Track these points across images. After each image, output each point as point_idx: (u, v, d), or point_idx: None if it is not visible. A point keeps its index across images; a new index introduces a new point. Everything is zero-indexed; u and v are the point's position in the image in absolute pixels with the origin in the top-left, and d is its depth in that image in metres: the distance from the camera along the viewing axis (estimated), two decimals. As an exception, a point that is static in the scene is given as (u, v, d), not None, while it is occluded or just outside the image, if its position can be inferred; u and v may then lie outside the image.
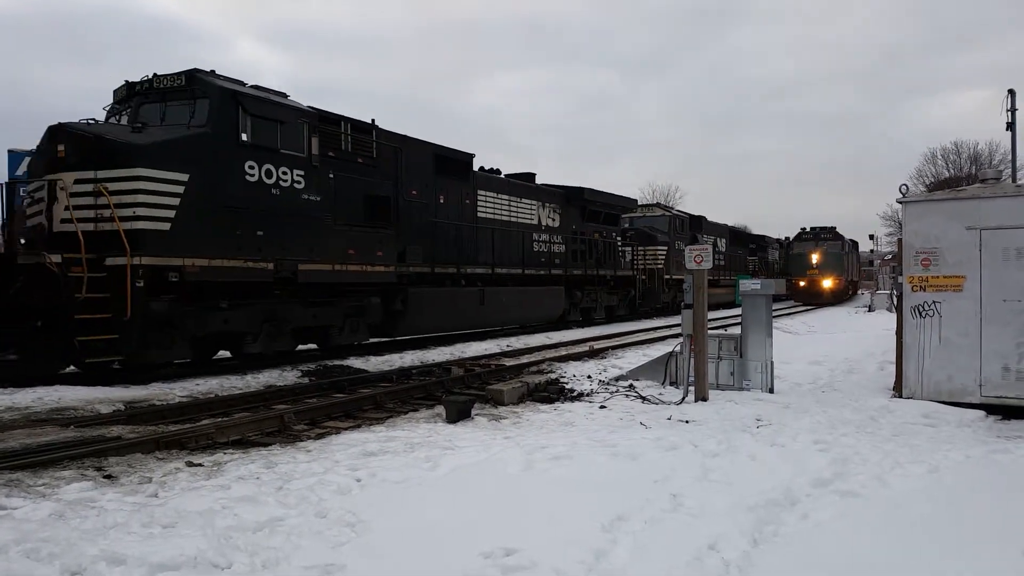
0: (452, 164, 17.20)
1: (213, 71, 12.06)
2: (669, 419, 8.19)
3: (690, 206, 76.53)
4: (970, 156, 56.78)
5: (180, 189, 10.77)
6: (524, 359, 14.38)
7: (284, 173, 12.34)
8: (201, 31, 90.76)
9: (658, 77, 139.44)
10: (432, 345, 16.30)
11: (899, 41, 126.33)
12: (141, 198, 10.43)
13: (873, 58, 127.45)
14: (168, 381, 10.73)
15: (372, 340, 15.35)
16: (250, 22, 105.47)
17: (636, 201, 33.06)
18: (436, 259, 16.23)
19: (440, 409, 8.72)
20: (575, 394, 10.14)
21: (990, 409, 8.69)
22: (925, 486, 5.78)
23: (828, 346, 16.51)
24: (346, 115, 14.06)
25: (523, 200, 20.42)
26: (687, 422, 8.01)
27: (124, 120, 11.87)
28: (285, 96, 13.11)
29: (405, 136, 15.73)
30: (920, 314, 9.29)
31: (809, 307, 39.18)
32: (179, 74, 11.67)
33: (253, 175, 11.84)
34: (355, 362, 13.41)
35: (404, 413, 9.00)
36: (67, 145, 10.55)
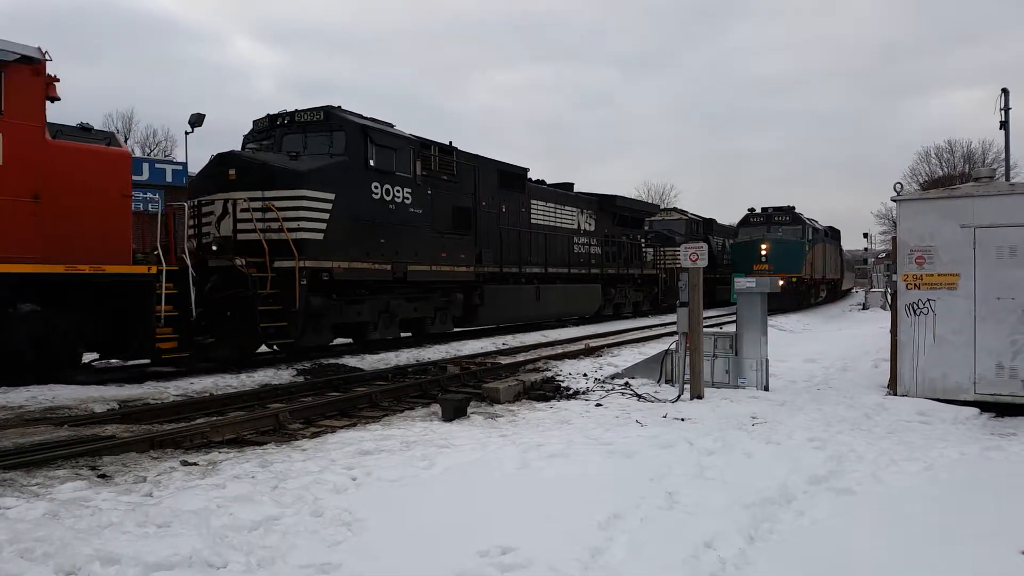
0: (511, 178, 19.65)
1: (340, 107, 14.52)
2: (665, 417, 8.20)
3: (686, 205, 76.58)
4: (964, 155, 57.02)
5: (329, 206, 13.19)
6: (520, 357, 14.37)
7: (398, 191, 14.93)
8: (199, 29, 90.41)
9: (657, 75, 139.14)
10: (428, 344, 16.30)
11: (897, 39, 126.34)
12: (303, 213, 12.76)
13: (871, 56, 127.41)
14: (162, 380, 10.70)
15: (456, 329, 18.01)
16: (247, 20, 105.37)
17: (658, 206, 36.76)
18: (503, 260, 18.85)
19: (436, 408, 8.71)
20: (571, 392, 10.14)
21: (984, 406, 8.74)
22: (920, 483, 5.81)
23: (823, 344, 16.58)
24: (434, 139, 16.41)
25: (565, 207, 22.70)
26: (683, 420, 8.02)
27: (264, 147, 14.38)
28: (392, 126, 15.45)
29: (477, 155, 18.16)
30: (914, 312, 9.32)
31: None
32: (317, 110, 14.22)
33: (377, 193, 14.38)
34: (350, 360, 13.39)
35: (400, 412, 8.98)
36: (238, 169, 12.75)
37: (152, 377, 10.85)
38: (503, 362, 13.38)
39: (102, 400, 9.14)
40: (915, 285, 9.32)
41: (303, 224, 12.72)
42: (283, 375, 11.83)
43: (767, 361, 10.22)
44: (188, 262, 11.05)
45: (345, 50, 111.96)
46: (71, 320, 10.11)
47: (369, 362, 13.39)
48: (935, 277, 9.21)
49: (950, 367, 9.08)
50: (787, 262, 30.75)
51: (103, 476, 5.87)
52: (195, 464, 6.22)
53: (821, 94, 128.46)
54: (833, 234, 40.82)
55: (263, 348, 13.75)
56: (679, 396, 9.39)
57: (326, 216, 13.13)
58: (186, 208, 12.46)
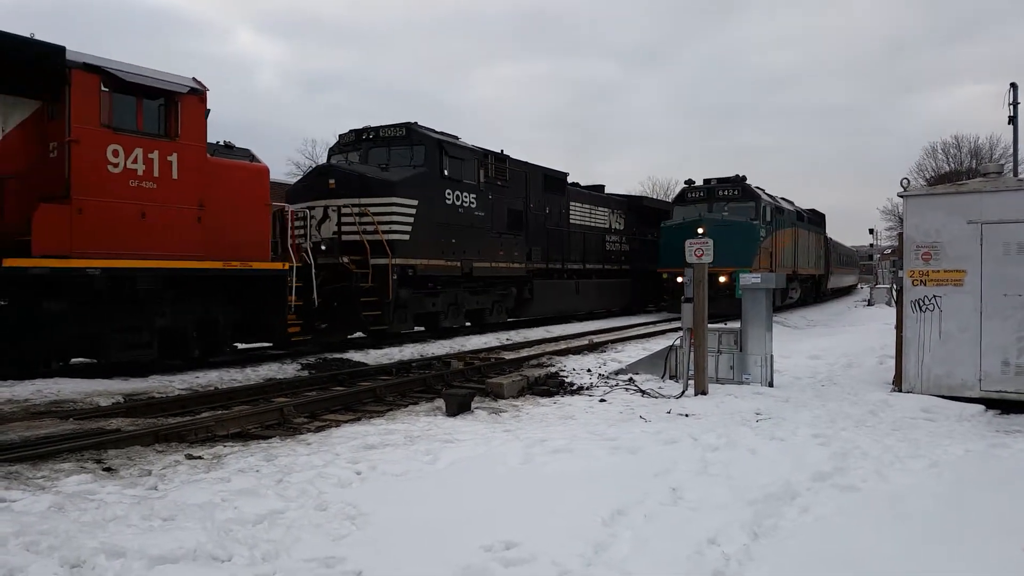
0: (554, 182, 21.47)
1: (416, 123, 16.50)
2: (669, 413, 8.19)
3: (690, 200, 75.98)
4: (970, 150, 56.68)
5: (413, 211, 15.26)
6: (524, 353, 14.36)
7: (465, 196, 17.05)
8: (200, 22, 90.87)
9: (659, 69, 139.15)
10: (431, 339, 16.32)
11: (901, 33, 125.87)
12: (394, 218, 14.85)
13: (875, 50, 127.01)
14: (167, 374, 10.73)
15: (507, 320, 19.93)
16: (249, 12, 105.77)
17: None
18: (548, 258, 20.80)
19: (440, 402, 8.72)
20: (575, 387, 10.14)
21: (990, 403, 8.71)
22: (924, 480, 5.79)
23: (827, 340, 16.52)
24: (490, 149, 18.48)
25: (599, 208, 24.40)
26: (687, 416, 8.02)
27: (350, 158, 16.54)
28: (457, 138, 17.47)
29: (526, 162, 20.12)
30: (920, 308, 9.28)
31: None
32: (400, 126, 16.39)
33: (449, 200, 16.50)
34: (355, 355, 13.40)
35: (404, 406, 8.99)
36: (337, 180, 14.72)
37: (159, 371, 10.87)
38: (507, 357, 13.37)
39: (107, 394, 9.17)
40: (921, 281, 9.29)
41: (394, 227, 14.76)
42: (287, 369, 11.84)
43: (772, 357, 10.19)
44: (310, 260, 12.76)
45: (347, 43, 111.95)
46: (225, 308, 11.78)
47: (373, 357, 13.41)
48: (941, 273, 9.17)
49: (956, 364, 9.04)
50: (733, 252, 21.04)
51: (108, 469, 5.89)
52: (200, 458, 6.24)
53: (825, 88, 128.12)
54: (814, 218, 33.19)
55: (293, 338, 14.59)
56: (683, 392, 9.38)
57: (411, 220, 15.17)
58: (307, 214, 14.45)
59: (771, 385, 10.00)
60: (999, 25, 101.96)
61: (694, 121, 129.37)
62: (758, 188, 25.15)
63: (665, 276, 23.32)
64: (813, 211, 33.89)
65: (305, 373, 11.60)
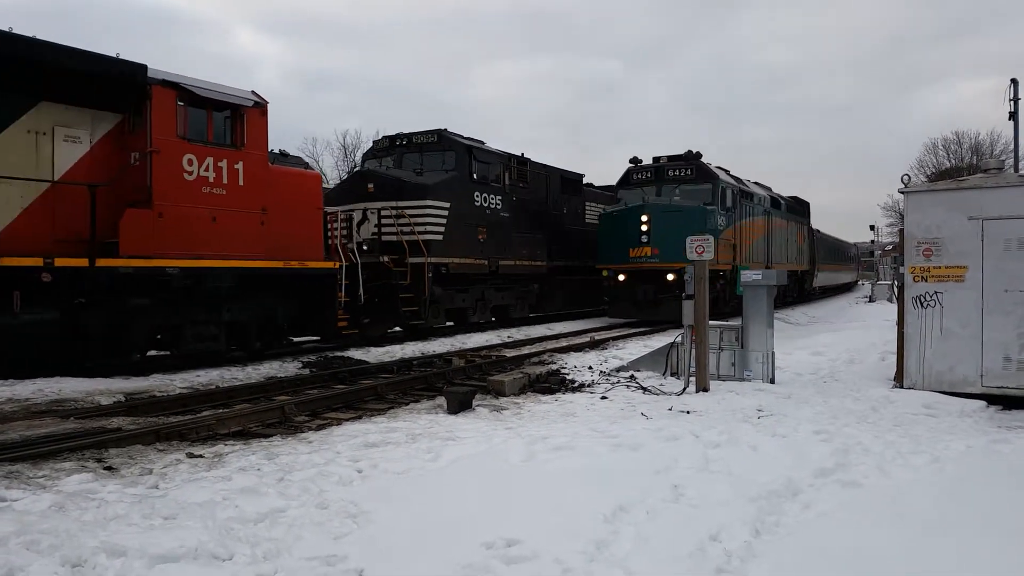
0: (571, 184, 22.68)
1: (446, 129, 17.62)
2: (670, 410, 8.18)
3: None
4: (971, 146, 56.51)
5: (446, 213, 16.28)
6: (525, 350, 14.36)
7: (492, 198, 18.19)
8: (200, 21, 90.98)
9: (661, 66, 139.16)
10: (433, 337, 16.33)
11: (902, 31, 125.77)
12: (429, 220, 15.86)
13: (876, 48, 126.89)
14: (169, 372, 10.73)
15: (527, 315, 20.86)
16: (249, 12, 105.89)
17: None
18: (566, 255, 21.75)
19: (441, 400, 8.71)
20: (576, 385, 10.13)
21: (991, 399, 8.70)
22: (927, 476, 5.78)
23: (829, 337, 16.50)
24: (512, 152, 19.56)
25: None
26: (688, 412, 8.01)
27: (384, 163, 17.63)
28: (483, 143, 18.59)
29: (545, 164, 21.27)
30: (921, 304, 9.27)
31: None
32: (431, 132, 17.48)
33: (478, 201, 17.62)
34: (356, 353, 13.39)
35: (405, 404, 8.99)
36: (375, 184, 15.71)
37: (160, 369, 10.87)
38: (508, 355, 13.37)
39: (108, 392, 9.17)
40: (922, 278, 9.27)
41: (428, 228, 15.77)
42: (288, 368, 11.85)
43: (773, 354, 10.19)
44: (357, 259, 13.71)
45: (347, 41, 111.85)
46: (282, 304, 12.73)
47: (374, 355, 13.39)
48: (942, 269, 9.16)
49: (957, 360, 9.03)
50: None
51: (109, 468, 5.89)
52: (201, 456, 6.24)
53: (827, 85, 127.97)
54: (795, 207, 28.92)
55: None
56: (685, 389, 9.37)
57: (444, 221, 16.17)
58: (353, 217, 15.26)
59: (773, 382, 9.99)
60: (1000, 21, 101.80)
61: (695, 119, 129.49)
62: (718, 168, 21.57)
63: (605, 274, 20.31)
64: (795, 199, 30.10)
65: (306, 371, 11.60)
